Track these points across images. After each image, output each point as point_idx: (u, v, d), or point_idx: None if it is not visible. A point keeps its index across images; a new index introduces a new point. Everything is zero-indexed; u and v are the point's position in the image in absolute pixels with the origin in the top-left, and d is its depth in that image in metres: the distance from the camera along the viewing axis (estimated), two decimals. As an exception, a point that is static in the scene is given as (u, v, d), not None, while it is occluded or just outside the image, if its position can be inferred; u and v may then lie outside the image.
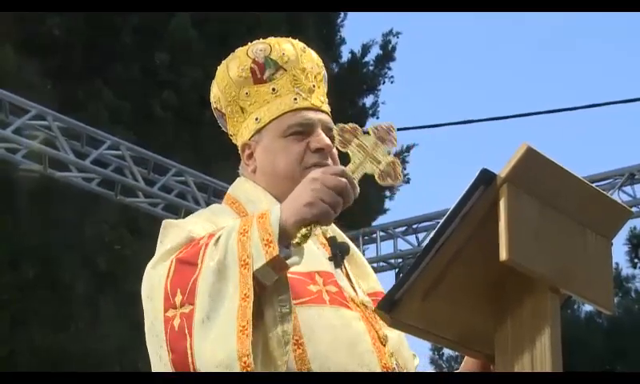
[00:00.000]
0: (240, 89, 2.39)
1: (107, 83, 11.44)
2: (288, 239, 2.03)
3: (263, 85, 2.37)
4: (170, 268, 2.08)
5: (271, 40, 2.43)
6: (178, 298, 2.03)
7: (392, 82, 13.94)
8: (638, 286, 17.02)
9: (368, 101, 13.85)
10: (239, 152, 2.45)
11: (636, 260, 17.04)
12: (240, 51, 2.43)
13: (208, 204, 8.91)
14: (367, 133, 2.20)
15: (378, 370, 2.18)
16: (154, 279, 2.11)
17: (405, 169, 13.93)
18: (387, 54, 13.92)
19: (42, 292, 10.50)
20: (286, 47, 2.41)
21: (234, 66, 2.41)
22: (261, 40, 2.43)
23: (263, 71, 2.37)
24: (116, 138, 8.77)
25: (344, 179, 2.07)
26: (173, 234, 2.20)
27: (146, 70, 11.82)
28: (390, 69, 13.94)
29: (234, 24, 11.53)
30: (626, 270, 16.91)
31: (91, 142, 8.55)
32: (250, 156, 2.39)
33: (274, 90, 2.36)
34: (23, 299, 10.44)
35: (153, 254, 2.25)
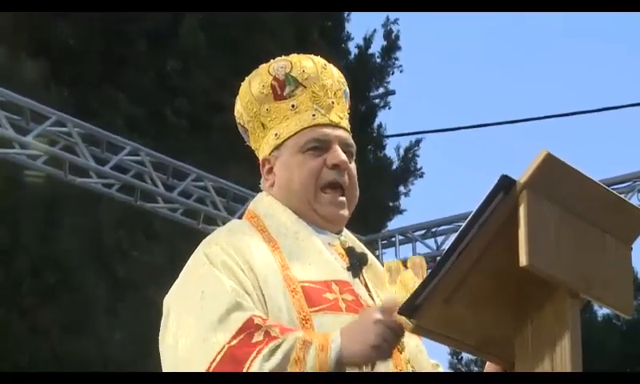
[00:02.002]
0: (261, 105, 2.42)
1: (122, 90, 11.50)
2: (343, 369, 2.07)
3: (283, 101, 2.40)
4: (217, 354, 2.10)
5: (293, 57, 2.46)
6: None
7: (401, 72, 13.96)
8: (657, 289, 16.93)
9: (378, 96, 13.89)
10: (260, 166, 2.48)
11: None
12: (262, 68, 2.46)
13: (227, 208, 8.94)
14: (406, 266, 2.23)
15: None
16: (197, 352, 2.12)
17: (416, 163, 13.97)
18: (392, 43, 13.92)
19: (61, 299, 10.54)
20: (307, 64, 2.44)
21: (255, 83, 2.44)
22: (282, 57, 2.47)
23: (283, 88, 2.41)
24: (135, 143, 8.80)
25: (400, 322, 2.09)
26: (215, 290, 2.19)
27: (159, 77, 11.88)
28: (397, 59, 13.96)
29: (241, 28, 11.58)
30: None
31: (111, 148, 8.58)
32: (270, 171, 2.43)
33: (293, 106, 2.40)
34: (44, 306, 10.49)
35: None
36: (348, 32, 13.90)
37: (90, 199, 9.54)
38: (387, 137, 13.81)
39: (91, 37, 11.43)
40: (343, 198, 2.38)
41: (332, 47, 12.33)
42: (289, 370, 2.04)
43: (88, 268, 10.75)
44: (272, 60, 2.47)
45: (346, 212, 2.39)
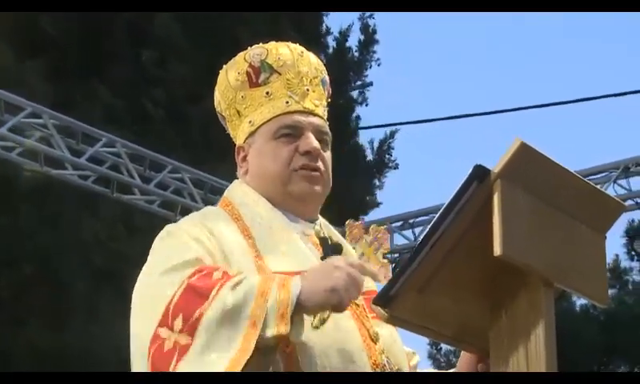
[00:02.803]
0: (237, 92, 2.42)
1: (101, 81, 11.44)
2: (301, 313, 2.05)
3: (258, 88, 2.40)
4: (178, 289, 2.08)
5: (270, 44, 2.46)
6: (178, 323, 2.04)
7: (379, 65, 13.97)
8: (635, 278, 17.05)
9: (355, 91, 13.92)
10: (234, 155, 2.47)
11: (633, 252, 17.06)
12: (239, 56, 2.46)
13: (204, 200, 8.93)
14: (367, 231, 2.25)
15: (368, 367, 2.19)
16: (157, 290, 2.11)
17: (391, 155, 14.02)
18: (369, 38, 13.94)
19: (39, 290, 10.49)
20: (283, 51, 2.43)
21: (232, 71, 2.44)
22: (260, 44, 2.47)
23: (258, 75, 2.40)
24: (111, 135, 8.77)
25: (362, 276, 2.09)
26: (177, 247, 2.19)
27: (138, 68, 11.83)
28: (374, 52, 13.98)
29: (216, 19, 11.54)
30: (624, 262, 16.94)
31: (87, 139, 8.54)
32: (244, 158, 2.42)
33: (267, 93, 2.40)
34: (21, 298, 10.44)
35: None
36: (327, 26, 13.90)
37: (69, 190, 9.49)
38: (362, 129, 13.84)
39: (70, 27, 11.36)
40: (317, 173, 2.36)
41: (310, 41, 12.32)
42: (252, 305, 2.01)
43: (67, 260, 10.70)
44: (249, 47, 2.46)
45: (319, 188, 2.37)
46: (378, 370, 2.21)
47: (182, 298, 2.05)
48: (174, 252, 2.18)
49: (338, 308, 2.06)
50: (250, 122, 2.40)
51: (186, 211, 8.84)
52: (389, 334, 2.28)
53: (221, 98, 2.46)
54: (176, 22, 11.82)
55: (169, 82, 11.65)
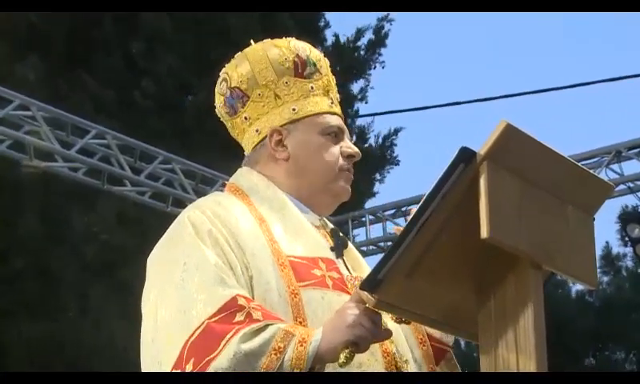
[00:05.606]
0: (280, 76, 2.45)
1: (89, 73, 11.39)
2: (322, 364, 2.07)
3: (302, 80, 2.46)
4: (197, 329, 2.09)
5: (307, 43, 2.54)
6: (189, 368, 2.06)
7: (383, 67, 13.95)
8: (629, 264, 17.06)
9: (357, 86, 13.85)
10: (265, 137, 2.45)
11: (626, 237, 17.05)
12: (280, 42, 2.50)
13: (196, 191, 8.89)
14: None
15: (379, 354, 2.21)
16: (177, 323, 2.12)
17: (393, 152, 14.04)
18: (379, 40, 13.91)
19: (30, 283, 10.47)
20: (320, 55, 2.53)
21: (275, 54, 2.47)
22: (294, 38, 2.52)
23: (305, 68, 2.47)
24: (101, 126, 8.72)
25: (379, 315, 2.10)
26: (197, 258, 2.18)
27: (127, 59, 11.78)
28: (380, 54, 13.94)
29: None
30: (617, 248, 16.93)
31: (76, 131, 8.50)
32: (279, 142, 2.43)
33: (312, 88, 2.46)
34: (12, 291, 10.41)
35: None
36: (327, 20, 13.82)
37: (60, 182, 9.45)
38: (358, 117, 13.81)
39: (58, 19, 11.30)
40: (352, 177, 2.47)
41: (303, 30, 12.28)
42: (265, 359, 2.03)
43: (56, 252, 10.67)
44: (285, 38, 2.52)
45: (349, 191, 2.47)
46: (389, 359, 2.24)
47: (197, 340, 2.08)
48: (194, 269, 2.16)
49: (362, 342, 2.06)
50: (293, 109, 2.44)
51: (177, 202, 8.82)
52: (394, 327, 2.28)
53: (253, 75, 2.45)
54: (165, 13, 11.76)
55: (158, 73, 11.60)
